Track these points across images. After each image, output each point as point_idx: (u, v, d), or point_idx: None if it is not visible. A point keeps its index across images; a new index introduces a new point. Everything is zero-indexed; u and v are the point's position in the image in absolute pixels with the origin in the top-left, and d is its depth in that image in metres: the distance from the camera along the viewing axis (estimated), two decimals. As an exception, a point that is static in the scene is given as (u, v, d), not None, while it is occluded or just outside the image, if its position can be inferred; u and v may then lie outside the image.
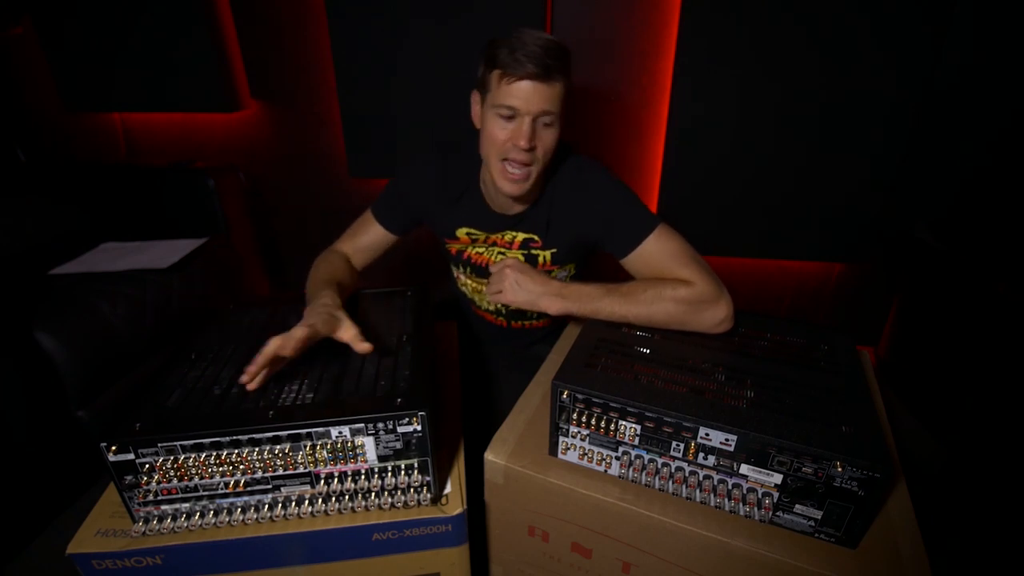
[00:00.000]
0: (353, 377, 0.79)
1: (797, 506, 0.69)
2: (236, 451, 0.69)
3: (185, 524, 0.72)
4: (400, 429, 0.71)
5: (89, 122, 2.04)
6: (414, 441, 0.72)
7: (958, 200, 1.64)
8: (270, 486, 0.73)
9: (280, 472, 0.72)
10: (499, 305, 1.18)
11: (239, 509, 0.73)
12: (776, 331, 0.92)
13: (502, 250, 1.10)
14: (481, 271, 1.14)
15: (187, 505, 0.72)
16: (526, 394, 0.95)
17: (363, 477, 0.74)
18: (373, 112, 1.77)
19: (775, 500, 0.69)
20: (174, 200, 1.84)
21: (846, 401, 0.74)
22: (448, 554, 0.79)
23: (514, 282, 0.94)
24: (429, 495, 0.76)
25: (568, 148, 1.06)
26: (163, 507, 0.72)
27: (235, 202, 1.90)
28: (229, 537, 0.73)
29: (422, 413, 0.70)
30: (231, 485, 0.72)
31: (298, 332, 0.78)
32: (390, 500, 0.75)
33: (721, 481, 0.72)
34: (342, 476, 0.73)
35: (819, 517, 0.68)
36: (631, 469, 0.76)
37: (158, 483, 0.69)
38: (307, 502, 0.74)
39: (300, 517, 0.74)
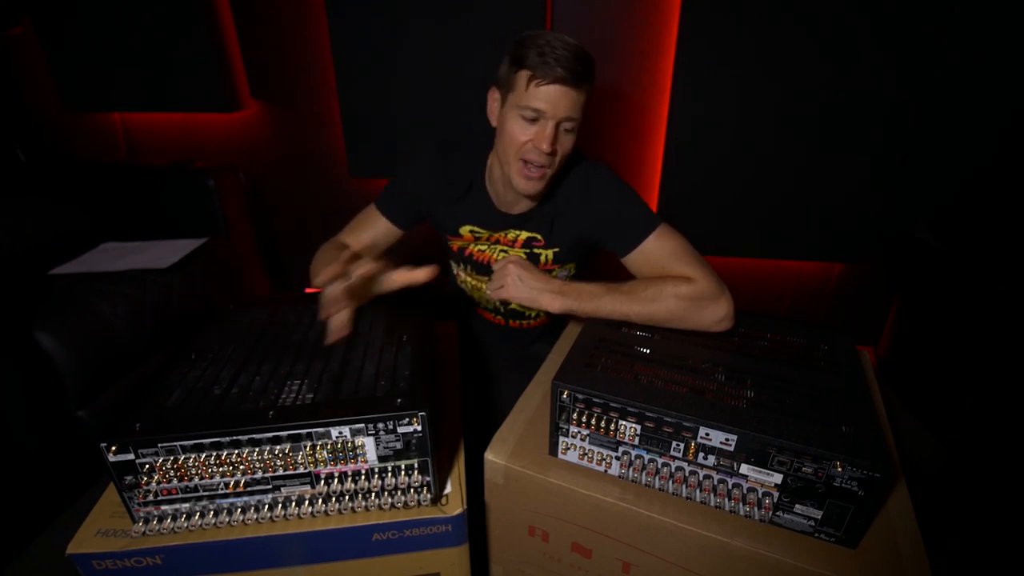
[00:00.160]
0: (353, 377, 0.79)
1: (797, 506, 0.69)
2: (236, 451, 0.69)
3: (185, 524, 0.72)
4: (400, 429, 0.71)
5: (89, 122, 2.04)
6: (414, 441, 0.72)
7: (958, 200, 1.65)
8: (270, 486, 0.73)
9: (280, 472, 0.72)
10: (498, 303, 1.19)
11: (239, 509, 0.73)
12: (776, 331, 0.92)
13: (504, 248, 1.10)
14: (482, 268, 1.14)
15: (187, 505, 0.72)
16: (526, 394, 0.95)
17: (363, 477, 0.74)
18: (373, 112, 1.77)
19: (775, 500, 0.69)
20: (174, 200, 1.84)
21: (846, 401, 0.74)
22: (448, 554, 0.79)
23: (516, 278, 0.94)
24: (429, 495, 0.76)
25: (576, 150, 1.06)
26: (163, 507, 0.72)
27: (235, 202, 1.90)
28: (229, 537, 0.73)
29: (422, 413, 0.70)
30: (231, 485, 0.72)
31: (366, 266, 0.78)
32: (390, 500, 0.75)
33: (721, 481, 0.72)
34: (342, 476, 0.73)
35: (819, 517, 0.68)
36: (631, 469, 0.76)
37: (158, 483, 0.69)
38: (307, 502, 0.74)
39: (300, 517, 0.74)
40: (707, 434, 0.70)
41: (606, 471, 0.79)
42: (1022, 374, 1.22)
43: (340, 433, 0.70)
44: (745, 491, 0.71)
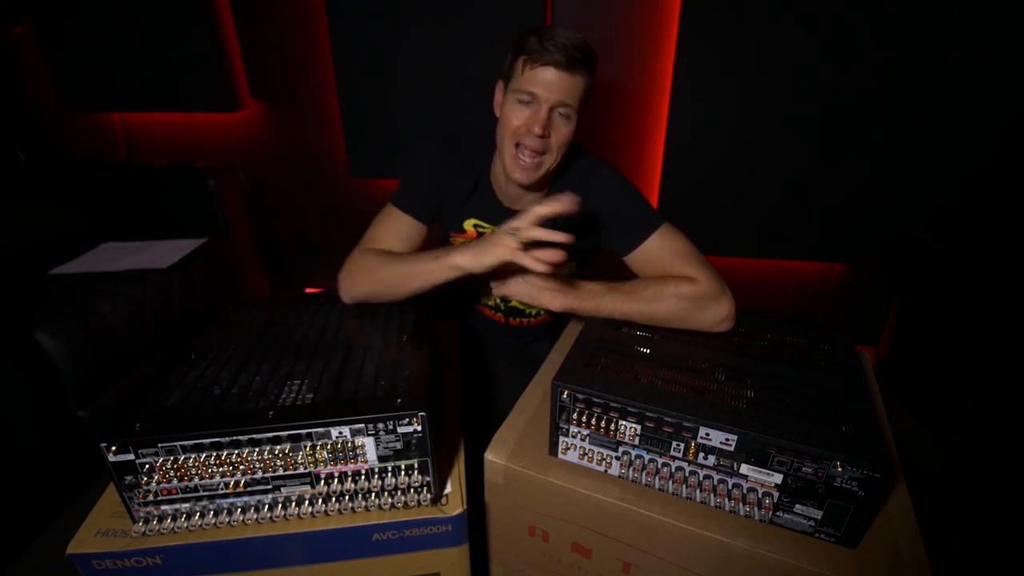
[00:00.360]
0: (353, 377, 0.79)
1: (797, 506, 0.69)
2: (236, 451, 0.69)
3: (185, 524, 0.72)
4: (400, 429, 0.71)
5: (89, 122, 2.04)
6: (414, 441, 0.72)
7: (958, 200, 1.65)
8: (270, 486, 0.73)
9: (280, 472, 0.72)
10: (498, 300, 1.19)
11: (239, 509, 0.73)
12: (776, 331, 0.92)
13: None
14: None
15: (187, 505, 0.72)
16: (526, 394, 0.95)
17: (363, 477, 0.74)
18: (373, 112, 1.77)
19: (775, 500, 0.69)
20: (174, 200, 1.84)
21: (846, 401, 0.74)
22: (448, 554, 0.79)
23: (519, 275, 0.94)
24: (429, 495, 0.76)
25: (578, 147, 1.06)
26: (163, 507, 0.72)
27: (235, 202, 1.90)
28: (229, 537, 0.73)
29: (422, 413, 0.70)
30: (231, 485, 0.72)
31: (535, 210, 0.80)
32: (390, 500, 0.75)
33: (721, 481, 0.72)
34: (342, 476, 0.73)
35: (819, 517, 0.68)
36: (631, 469, 0.76)
37: (158, 483, 0.69)
38: (307, 502, 0.74)
39: (300, 517, 0.74)
40: (707, 434, 0.70)
41: (606, 471, 0.79)
42: (1022, 374, 1.22)
43: (340, 433, 0.70)
44: (745, 491, 0.71)
